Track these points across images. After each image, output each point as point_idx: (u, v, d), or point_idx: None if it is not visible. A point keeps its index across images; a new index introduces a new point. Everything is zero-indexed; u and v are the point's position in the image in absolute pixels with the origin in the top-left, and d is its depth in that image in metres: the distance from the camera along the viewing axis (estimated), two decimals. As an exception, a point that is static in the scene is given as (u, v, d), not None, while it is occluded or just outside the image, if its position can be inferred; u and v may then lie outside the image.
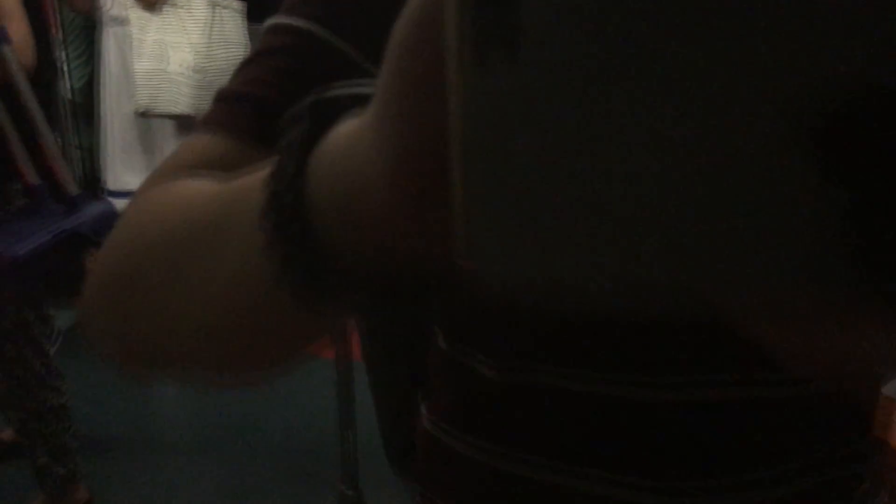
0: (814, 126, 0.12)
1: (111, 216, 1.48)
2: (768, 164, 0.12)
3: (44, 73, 1.55)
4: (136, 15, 2.30)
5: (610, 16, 0.12)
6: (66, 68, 2.33)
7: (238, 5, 2.36)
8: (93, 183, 2.47)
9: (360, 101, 0.21)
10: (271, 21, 0.37)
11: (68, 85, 2.32)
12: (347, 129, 0.21)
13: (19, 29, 1.44)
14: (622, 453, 0.38)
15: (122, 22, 2.35)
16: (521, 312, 0.35)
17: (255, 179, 0.24)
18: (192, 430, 1.98)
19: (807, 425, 0.38)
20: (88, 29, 2.46)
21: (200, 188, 0.28)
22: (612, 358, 0.37)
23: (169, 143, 2.44)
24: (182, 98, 2.33)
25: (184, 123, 2.41)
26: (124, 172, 2.44)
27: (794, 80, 0.11)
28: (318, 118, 0.22)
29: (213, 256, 0.25)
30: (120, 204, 2.48)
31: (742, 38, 0.11)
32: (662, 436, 0.37)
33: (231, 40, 2.36)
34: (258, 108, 0.34)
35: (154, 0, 2.28)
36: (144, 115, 2.37)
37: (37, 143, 1.39)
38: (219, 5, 2.33)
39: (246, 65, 0.37)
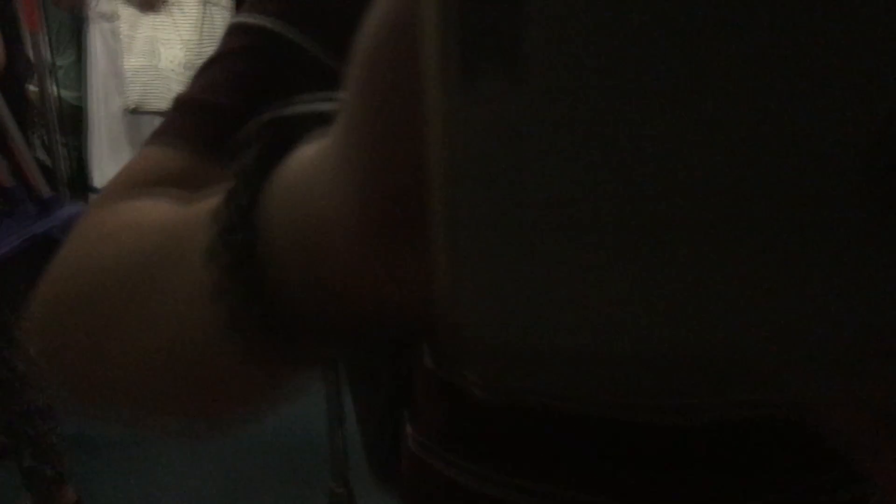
0: (877, 165, 0.09)
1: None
2: (821, 214, 0.09)
3: (16, 71, 1.53)
4: (127, 12, 2.29)
5: (633, 33, 0.10)
6: (52, 66, 2.32)
7: (228, 2, 2.35)
8: (80, 180, 2.46)
9: (323, 119, 0.19)
10: (234, 19, 0.35)
11: (55, 83, 2.31)
12: (308, 153, 0.19)
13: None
14: (616, 477, 0.37)
15: (110, 18, 2.34)
16: (515, 386, 0.34)
17: (204, 209, 0.21)
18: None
19: (801, 448, 0.37)
20: (75, 26, 2.45)
21: (151, 213, 0.26)
22: (609, 380, 0.36)
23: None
24: (172, 94, 2.30)
25: (173, 120, 2.40)
26: (112, 169, 2.43)
27: (852, 118, 0.09)
28: (275, 139, 0.20)
29: (158, 294, 0.23)
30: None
31: (781, 66, 0.09)
32: (658, 459, 0.36)
33: (221, 36, 2.35)
34: (216, 116, 0.32)
35: (155, 1, 2.27)
36: (135, 112, 2.37)
37: (6, 145, 1.37)
38: (209, 2, 2.32)
39: (205, 69, 0.34)
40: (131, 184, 0.31)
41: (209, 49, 2.53)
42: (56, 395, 0.28)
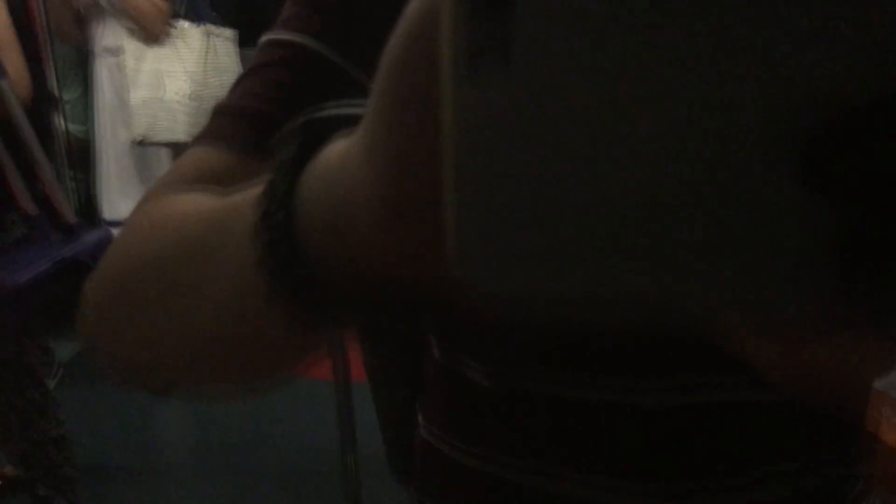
0: (798, 138, 0.12)
1: (110, 243, 1.47)
2: (753, 178, 0.12)
3: (40, 105, 1.56)
4: (132, 46, 2.33)
5: (605, 32, 0.12)
6: (60, 100, 2.35)
7: (231, 33, 2.39)
8: (89, 213, 2.48)
9: (351, 120, 0.21)
10: (266, 37, 0.38)
11: (62, 117, 2.34)
12: (338, 149, 0.22)
13: (15, 61, 1.46)
14: (615, 458, 0.38)
15: (115, 52, 2.38)
16: (513, 321, 0.35)
17: (248, 197, 0.24)
18: (193, 457, 1.97)
19: (799, 427, 0.39)
20: (82, 61, 2.49)
21: (196, 204, 0.29)
22: (604, 364, 0.38)
23: (164, 171, 2.44)
24: (179, 126, 2.35)
25: (180, 151, 2.42)
26: (120, 201, 2.44)
27: (779, 93, 0.12)
28: (308, 138, 0.23)
29: (208, 273, 0.26)
30: (117, 233, 2.47)
31: (730, 54, 0.12)
32: (655, 439, 0.38)
33: (225, 67, 2.39)
34: (254, 121, 0.35)
35: (157, 33, 2.31)
36: (142, 144, 2.39)
37: (35, 174, 1.40)
38: (213, 34, 2.36)
39: (242, 79, 0.37)
40: (177, 181, 0.33)
41: (214, 80, 2.57)
42: (110, 373, 0.31)
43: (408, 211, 0.19)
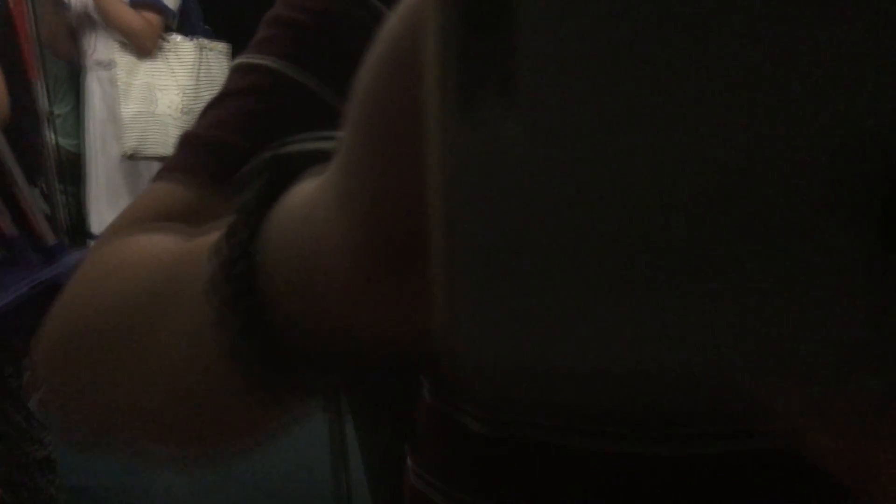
0: (863, 190, 0.10)
1: None
2: (813, 234, 0.10)
3: (23, 121, 1.54)
4: (124, 59, 2.32)
5: (625, 53, 0.10)
6: (51, 115, 2.34)
7: (223, 47, 2.39)
8: (80, 228, 2.46)
9: (323, 156, 0.19)
10: (238, 59, 0.36)
11: (53, 132, 2.33)
12: (306, 189, 0.19)
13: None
14: None
15: (107, 66, 2.37)
16: (510, 399, 0.34)
17: (207, 242, 0.22)
18: (183, 479, 1.94)
19: (804, 476, 0.37)
20: (73, 75, 2.48)
21: (156, 247, 0.27)
22: (609, 415, 0.35)
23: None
24: (170, 140, 2.34)
25: (171, 166, 2.41)
26: (111, 216, 2.43)
27: (839, 144, 0.10)
28: (274, 176, 0.20)
29: (162, 326, 0.23)
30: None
31: (778, 88, 0.10)
32: (657, 490, 0.36)
33: (217, 81, 2.38)
34: (223, 152, 0.33)
35: (150, 47, 2.30)
36: (133, 158, 2.38)
37: (13, 195, 1.38)
38: (205, 48, 2.35)
39: (211, 107, 0.35)
40: (138, 218, 0.31)
41: (206, 94, 2.58)
42: (62, 429, 0.29)
43: (385, 261, 0.16)
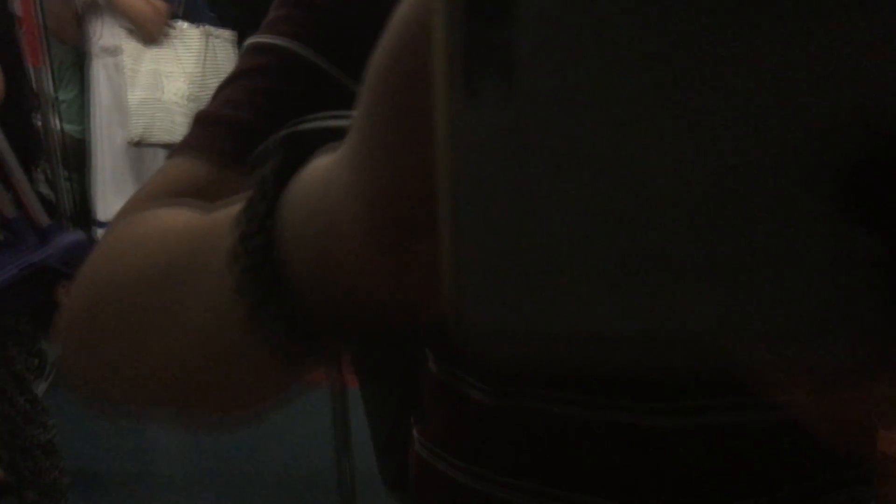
0: (836, 169, 0.11)
1: (82, 246, 1.47)
2: (789, 210, 0.11)
3: (20, 105, 1.54)
4: (130, 46, 2.31)
5: (617, 42, 0.11)
6: (55, 100, 2.34)
7: (230, 34, 2.38)
8: (83, 214, 2.46)
9: (337, 134, 0.20)
10: (251, 40, 0.36)
11: (58, 117, 2.32)
12: (322, 166, 0.20)
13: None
14: (615, 478, 0.37)
15: (113, 52, 2.36)
16: (513, 361, 0.35)
17: (227, 216, 0.23)
18: (186, 463, 1.95)
19: (807, 449, 0.37)
20: (78, 60, 2.48)
21: (175, 221, 0.27)
22: (609, 386, 0.36)
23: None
24: (176, 127, 2.33)
25: (176, 153, 2.41)
26: (115, 202, 2.43)
27: (816, 120, 0.11)
28: (290, 153, 0.21)
29: (184, 297, 0.24)
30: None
31: (761, 75, 0.10)
32: (658, 461, 0.37)
33: (223, 69, 2.37)
34: (237, 130, 0.34)
35: (156, 33, 2.29)
36: (139, 145, 2.38)
37: (6, 176, 1.38)
38: (212, 35, 2.35)
39: (225, 86, 0.36)
40: (155, 194, 0.32)
41: (212, 82, 2.57)
42: (84, 398, 0.30)
43: (396, 235, 0.17)
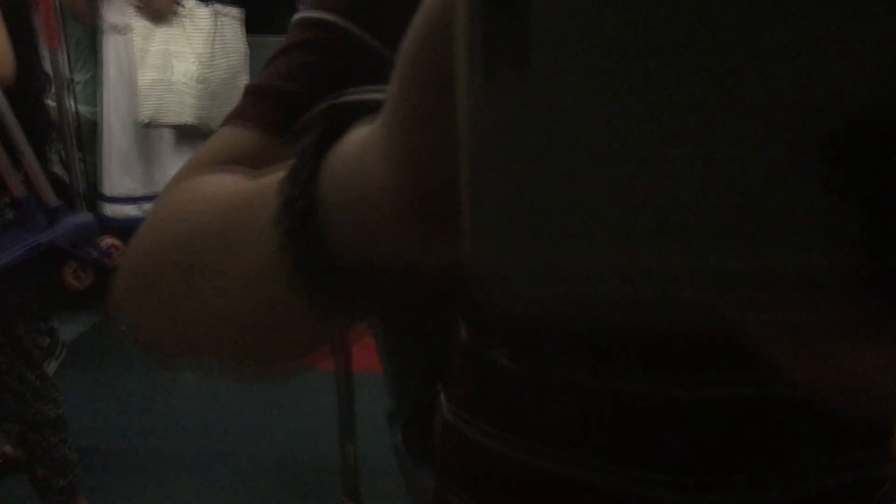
0: (819, 143, 0.12)
1: (90, 228, 1.48)
2: (778, 181, 0.12)
3: (29, 86, 1.55)
4: (140, 24, 2.31)
5: (621, 31, 0.12)
6: (70, 82, 2.35)
7: (237, 12, 2.37)
8: (96, 194, 2.48)
9: (373, 106, 0.21)
10: (299, 15, 0.39)
11: (72, 98, 2.34)
12: (359, 136, 0.22)
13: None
14: (638, 448, 0.38)
15: (122, 30, 2.36)
16: (529, 318, 0.36)
17: (273, 181, 0.25)
18: (193, 444, 1.97)
19: (827, 426, 0.38)
20: (93, 42, 2.48)
21: (226, 185, 0.30)
22: (631, 355, 0.37)
23: (167, 151, 2.45)
24: (186, 108, 2.33)
25: (183, 132, 2.41)
26: (123, 180, 2.44)
27: (804, 98, 0.11)
28: (331, 124, 0.23)
29: (232, 255, 0.26)
30: (118, 210, 2.50)
31: (755, 56, 0.11)
32: (679, 432, 0.37)
33: (231, 48, 2.36)
34: (285, 101, 0.36)
35: (164, 11, 2.29)
36: (149, 126, 2.38)
37: (16, 156, 1.39)
38: (220, 14, 2.34)
39: (274, 59, 0.38)
40: (208, 160, 0.34)
41: (222, 62, 2.56)
42: (142, 349, 0.33)
43: (425, 202, 0.19)
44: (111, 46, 2.39)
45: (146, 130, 2.42)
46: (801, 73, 0.11)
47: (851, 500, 0.39)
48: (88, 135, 2.46)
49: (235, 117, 0.37)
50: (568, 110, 0.12)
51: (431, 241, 0.20)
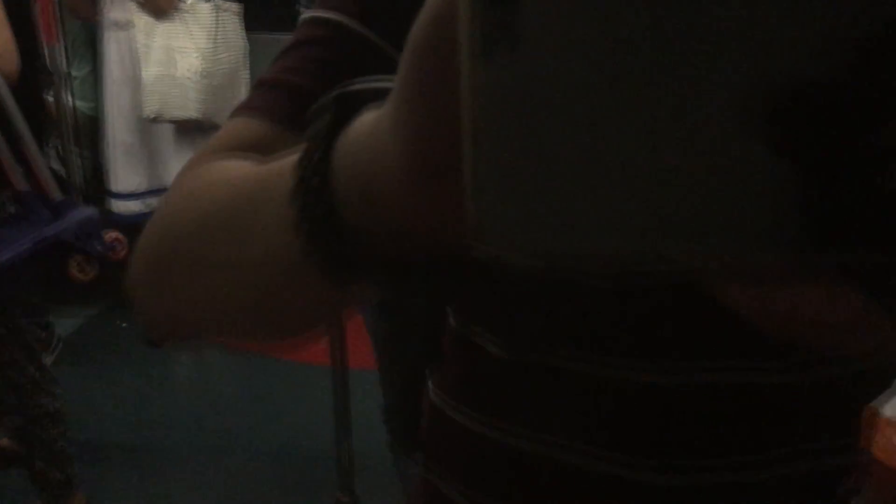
0: (765, 111, 0.14)
1: (94, 222, 1.49)
2: (733, 145, 0.14)
3: (32, 81, 1.55)
4: (142, 20, 2.32)
5: (598, 22, 0.14)
6: (68, 76, 2.35)
7: (237, 7, 2.37)
8: (95, 189, 2.49)
9: (381, 94, 0.23)
10: (307, 14, 0.40)
11: (70, 93, 2.34)
12: (368, 119, 0.23)
13: (0, 36, 1.43)
14: (622, 432, 0.39)
15: (123, 26, 2.36)
16: (528, 292, 0.39)
17: (286, 163, 0.26)
18: (190, 439, 1.98)
19: (799, 413, 0.39)
20: (91, 37, 2.48)
21: (238, 169, 0.31)
22: (616, 341, 0.39)
23: (170, 146, 2.46)
24: (190, 103, 2.34)
25: (186, 127, 2.42)
26: (127, 175, 2.45)
27: (748, 73, 0.13)
28: (342, 110, 0.25)
29: (248, 233, 0.28)
30: (123, 206, 2.51)
31: (709, 37, 0.14)
32: (660, 417, 0.39)
33: (233, 43, 2.37)
34: (292, 94, 0.37)
35: (166, 7, 2.29)
36: (155, 121, 2.39)
37: (20, 151, 1.40)
38: (221, 9, 2.34)
39: (283, 54, 0.40)
40: (219, 148, 0.36)
41: (224, 56, 2.56)
42: (151, 327, 0.34)
43: (430, 176, 0.21)
44: (112, 42, 2.39)
45: (149, 126, 2.42)
46: (753, 46, 0.13)
47: (817, 487, 0.40)
48: (86, 130, 2.47)
49: (245, 108, 0.38)
50: (552, 85, 0.15)
51: (437, 213, 0.21)
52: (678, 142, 0.14)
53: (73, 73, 2.42)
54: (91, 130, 2.50)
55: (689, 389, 0.38)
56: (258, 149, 0.34)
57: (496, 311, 0.42)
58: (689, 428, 0.38)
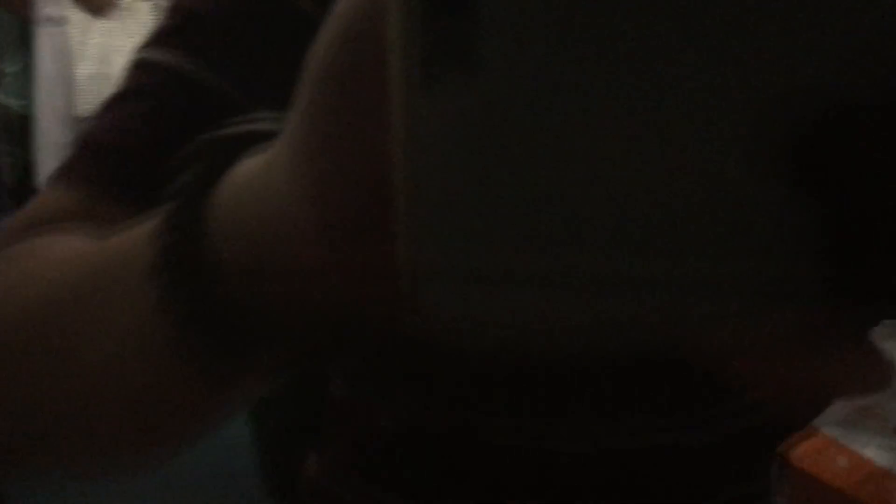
0: (780, 144, 0.11)
1: None
2: (736, 182, 0.11)
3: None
4: (77, 17, 2.24)
5: (577, 29, 0.11)
6: (0, 73, 2.24)
7: (180, 7, 2.32)
8: (25, 190, 2.39)
9: (259, 138, 0.19)
10: (139, 55, 0.35)
11: (1, 90, 2.23)
12: (252, 168, 0.19)
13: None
14: (521, 501, 0.38)
15: (59, 22, 2.28)
16: (459, 346, 0.35)
17: (137, 234, 0.21)
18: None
19: (718, 468, 0.39)
20: (24, 33, 2.38)
21: (69, 248, 0.26)
22: (519, 406, 0.36)
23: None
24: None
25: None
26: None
27: (760, 99, 0.11)
28: (212, 159, 0.20)
29: (96, 323, 0.22)
30: None
31: (709, 57, 0.11)
32: (566, 482, 0.37)
33: (174, 44, 2.31)
34: (120, 158, 0.33)
35: (102, 5, 2.22)
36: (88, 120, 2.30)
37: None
38: (160, 7, 2.28)
39: (109, 108, 0.35)
40: (34, 222, 0.30)
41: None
42: None
43: (344, 232, 0.17)
44: (46, 38, 2.30)
45: (83, 125, 2.33)
46: (758, 74, 0.11)
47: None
48: (17, 128, 2.36)
49: (63, 175, 0.33)
50: (514, 113, 0.12)
51: (351, 274, 0.18)
52: (673, 185, 0.12)
53: (6, 69, 2.31)
54: (21, 129, 2.39)
55: (598, 455, 0.37)
56: (80, 222, 0.29)
57: (388, 377, 0.38)
58: (595, 493, 0.37)
